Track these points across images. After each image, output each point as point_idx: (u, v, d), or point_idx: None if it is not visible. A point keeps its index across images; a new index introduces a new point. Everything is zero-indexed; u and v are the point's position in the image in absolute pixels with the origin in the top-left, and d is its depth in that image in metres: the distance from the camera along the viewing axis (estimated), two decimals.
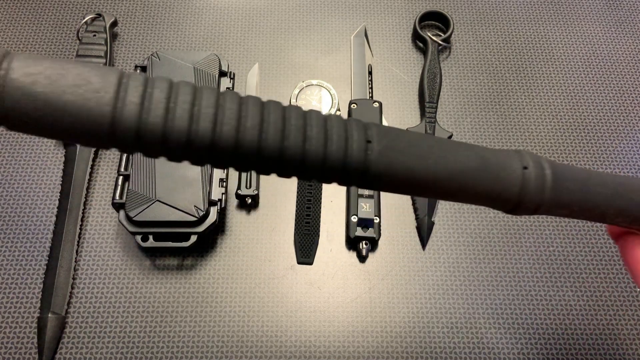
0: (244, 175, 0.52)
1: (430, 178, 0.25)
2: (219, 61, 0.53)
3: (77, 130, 0.22)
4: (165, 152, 0.23)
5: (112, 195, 0.48)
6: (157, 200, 0.46)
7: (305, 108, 0.25)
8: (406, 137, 0.25)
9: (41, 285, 0.48)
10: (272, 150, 0.23)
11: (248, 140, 0.23)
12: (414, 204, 0.53)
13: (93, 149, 0.53)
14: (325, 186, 0.54)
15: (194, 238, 0.47)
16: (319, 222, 0.52)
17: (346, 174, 0.24)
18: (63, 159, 0.54)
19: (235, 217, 0.52)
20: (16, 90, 0.21)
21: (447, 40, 0.61)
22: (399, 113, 0.58)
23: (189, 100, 0.22)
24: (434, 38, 0.60)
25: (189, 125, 0.22)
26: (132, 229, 0.46)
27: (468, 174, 0.25)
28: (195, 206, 0.46)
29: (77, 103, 0.21)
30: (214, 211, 0.47)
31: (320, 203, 0.53)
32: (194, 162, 0.24)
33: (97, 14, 0.59)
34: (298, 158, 0.24)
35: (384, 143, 0.24)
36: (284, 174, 0.24)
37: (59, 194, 0.52)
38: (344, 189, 0.53)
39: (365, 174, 0.25)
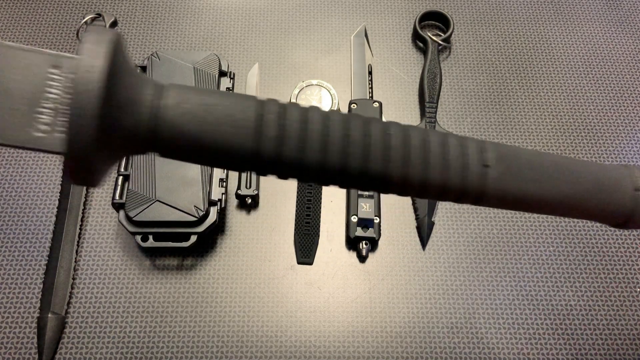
0: (243, 175, 0.52)
1: (544, 201, 0.26)
2: (219, 61, 0.53)
3: (221, 162, 0.24)
4: (298, 178, 0.25)
5: (112, 195, 0.48)
6: (157, 200, 0.46)
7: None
8: (523, 159, 0.25)
9: (41, 285, 0.48)
10: (397, 179, 0.24)
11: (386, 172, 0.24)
12: (414, 203, 0.53)
13: None
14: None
15: (193, 238, 0.47)
16: (319, 222, 0.52)
17: (461, 197, 0.25)
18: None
19: (235, 217, 0.52)
20: (169, 127, 0.23)
21: (447, 40, 0.61)
22: (399, 113, 0.58)
23: (320, 129, 0.24)
24: (434, 38, 0.60)
25: (321, 156, 0.24)
26: (132, 229, 0.46)
27: (581, 196, 0.26)
28: (195, 206, 0.46)
29: (223, 141, 0.23)
30: (214, 211, 0.47)
31: (320, 203, 0.53)
32: (321, 184, 0.26)
33: (97, 14, 0.59)
34: (417, 185, 0.25)
35: (502, 168, 0.25)
36: (403, 195, 0.26)
37: (58, 194, 0.52)
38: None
39: (480, 199, 0.25)
